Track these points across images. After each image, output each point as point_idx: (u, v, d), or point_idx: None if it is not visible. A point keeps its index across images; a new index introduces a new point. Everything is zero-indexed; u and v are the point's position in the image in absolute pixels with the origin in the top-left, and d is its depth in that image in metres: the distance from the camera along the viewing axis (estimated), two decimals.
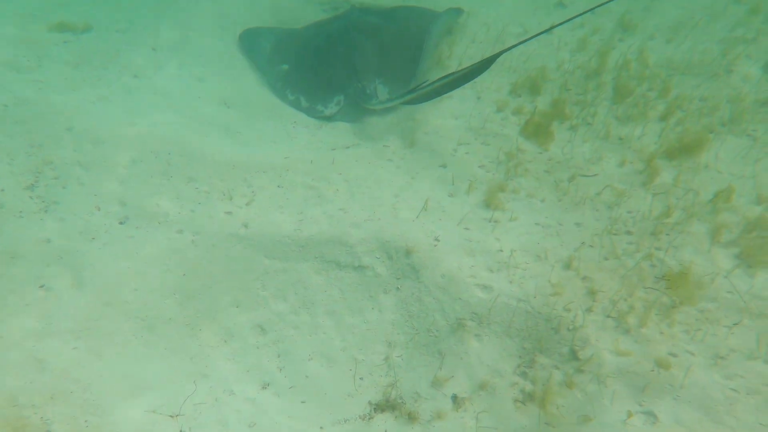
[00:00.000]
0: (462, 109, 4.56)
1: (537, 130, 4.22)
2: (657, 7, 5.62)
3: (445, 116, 4.49)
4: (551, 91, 4.65)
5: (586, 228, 3.45)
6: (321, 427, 2.72)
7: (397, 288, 3.23)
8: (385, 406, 2.81)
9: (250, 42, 5.32)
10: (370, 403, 2.83)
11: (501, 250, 3.33)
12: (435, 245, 3.34)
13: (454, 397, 2.85)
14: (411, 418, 2.76)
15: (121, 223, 3.21)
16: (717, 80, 4.56)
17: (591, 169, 3.90)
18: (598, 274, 3.13)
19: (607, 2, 3.85)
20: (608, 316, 2.95)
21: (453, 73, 3.79)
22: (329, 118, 4.70)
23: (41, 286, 2.92)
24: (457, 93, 4.71)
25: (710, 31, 5.18)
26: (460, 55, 5.13)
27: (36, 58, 4.57)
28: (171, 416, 2.61)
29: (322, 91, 4.85)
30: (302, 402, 2.82)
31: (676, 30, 5.23)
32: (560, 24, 3.63)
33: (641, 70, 4.74)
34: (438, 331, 3.04)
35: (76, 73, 4.47)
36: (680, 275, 3.03)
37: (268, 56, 5.14)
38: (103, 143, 3.65)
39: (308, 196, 3.57)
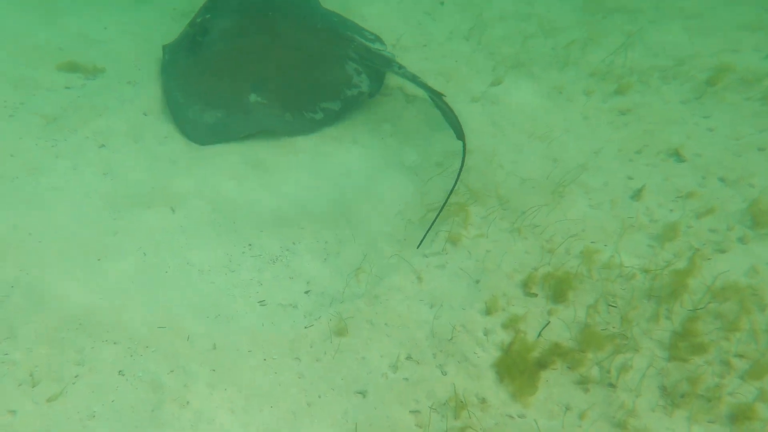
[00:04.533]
0: (447, 290, 3.28)
1: (516, 369, 2.82)
2: None
3: (418, 299, 3.25)
4: (583, 301, 3.15)
5: None
6: None
7: None
8: None
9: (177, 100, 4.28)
10: None
11: None
12: None
13: None
14: None
15: None
16: None
17: None
18: None
19: None
20: None
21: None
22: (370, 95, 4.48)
23: None
24: (453, 264, 3.44)
25: None
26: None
27: (13, 106, 4.23)
28: None
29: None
30: None
31: None
32: None
33: (740, 309, 3.01)
34: None
35: (38, 132, 4.03)
36: None
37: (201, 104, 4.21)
38: None
39: (142, 405, 2.61)
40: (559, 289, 3.20)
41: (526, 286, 3.27)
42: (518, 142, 4.22)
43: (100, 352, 2.78)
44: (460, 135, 3.99)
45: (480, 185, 3.90)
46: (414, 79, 4.40)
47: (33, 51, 4.85)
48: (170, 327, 2.96)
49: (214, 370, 2.81)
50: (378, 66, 4.49)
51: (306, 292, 3.43)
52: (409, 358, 2.96)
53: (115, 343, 2.84)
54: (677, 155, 4.06)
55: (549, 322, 3.08)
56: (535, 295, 3.23)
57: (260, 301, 3.36)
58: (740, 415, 2.60)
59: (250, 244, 3.72)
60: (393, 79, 4.82)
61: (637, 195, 3.78)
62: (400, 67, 4.46)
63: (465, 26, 5.56)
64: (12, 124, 4.07)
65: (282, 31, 4.43)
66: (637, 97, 4.61)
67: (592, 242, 3.48)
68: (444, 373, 2.88)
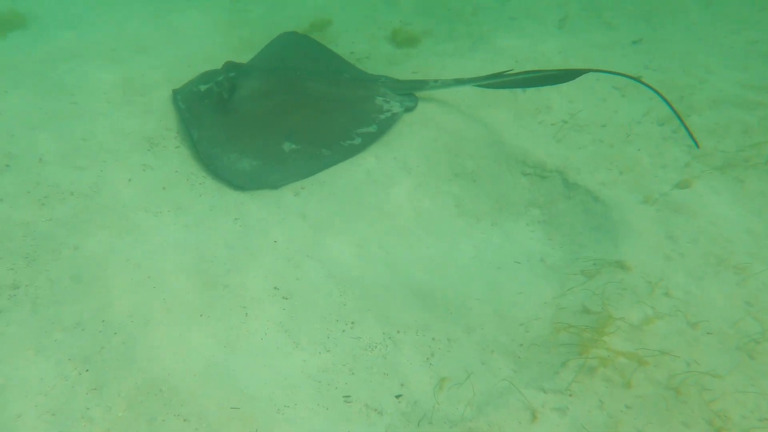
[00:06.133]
0: None
1: None
2: None
3: None
4: None
5: None
6: None
7: None
8: None
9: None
10: None
11: None
12: None
13: None
14: None
15: None
16: None
17: None
18: None
19: None
20: None
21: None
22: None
23: None
24: (578, 412, 2.74)
25: None
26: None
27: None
28: None
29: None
30: None
31: None
32: None
33: None
34: None
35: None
36: None
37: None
38: (89, 284, 3.29)
39: None
40: None
41: None
42: (699, 269, 3.30)
43: (169, 427, 2.68)
44: (578, 71, 4.09)
45: (633, 314, 3.10)
46: (457, 82, 4.51)
47: None
48: (243, 410, 2.76)
49: None
50: (411, 90, 4.68)
51: (397, 397, 3.00)
52: None
53: (185, 420, 2.70)
54: None
55: None
56: None
57: (345, 396, 3.01)
58: None
59: (353, 322, 3.42)
60: (551, 160, 4.21)
61: None
62: (436, 80, 4.63)
63: (663, 108, 4.69)
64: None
65: (308, 86, 4.58)
66: None
67: None
68: None
